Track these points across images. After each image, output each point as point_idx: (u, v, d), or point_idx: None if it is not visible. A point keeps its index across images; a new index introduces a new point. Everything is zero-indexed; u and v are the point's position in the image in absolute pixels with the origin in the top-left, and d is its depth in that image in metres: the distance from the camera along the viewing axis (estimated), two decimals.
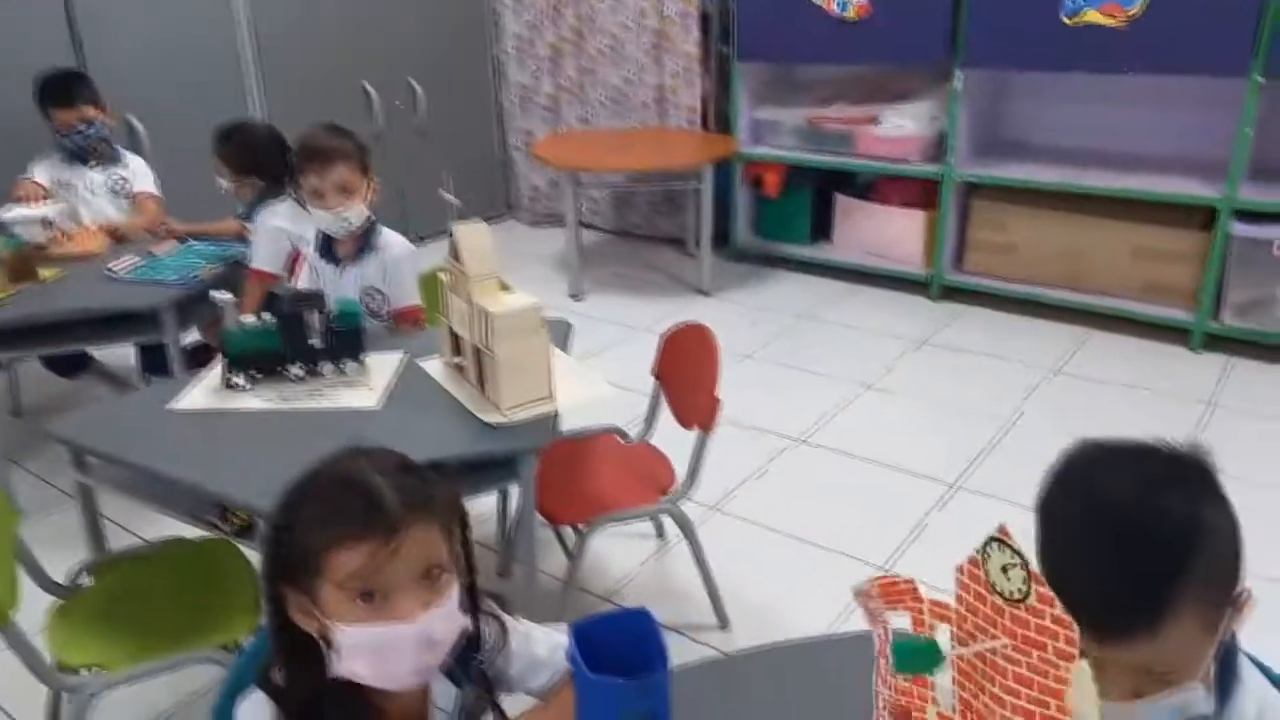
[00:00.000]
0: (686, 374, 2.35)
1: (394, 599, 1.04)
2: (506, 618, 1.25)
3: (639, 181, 5.36)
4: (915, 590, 0.88)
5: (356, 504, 1.03)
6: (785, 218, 4.98)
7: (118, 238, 3.27)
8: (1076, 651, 0.75)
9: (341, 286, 2.51)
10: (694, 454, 2.24)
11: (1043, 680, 0.77)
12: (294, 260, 2.82)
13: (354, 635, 1.03)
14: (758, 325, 4.33)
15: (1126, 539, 0.85)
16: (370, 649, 1.04)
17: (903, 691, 0.90)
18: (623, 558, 2.75)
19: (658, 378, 2.49)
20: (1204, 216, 3.78)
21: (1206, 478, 0.91)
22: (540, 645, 1.25)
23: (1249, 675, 0.97)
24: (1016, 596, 0.77)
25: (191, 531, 2.11)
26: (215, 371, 2.18)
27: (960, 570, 0.83)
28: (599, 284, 4.89)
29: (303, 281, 2.60)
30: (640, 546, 2.80)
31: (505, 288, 2.08)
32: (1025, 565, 0.76)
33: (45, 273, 2.93)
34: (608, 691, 1.03)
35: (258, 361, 2.13)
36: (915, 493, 3.02)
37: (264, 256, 2.90)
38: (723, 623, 2.43)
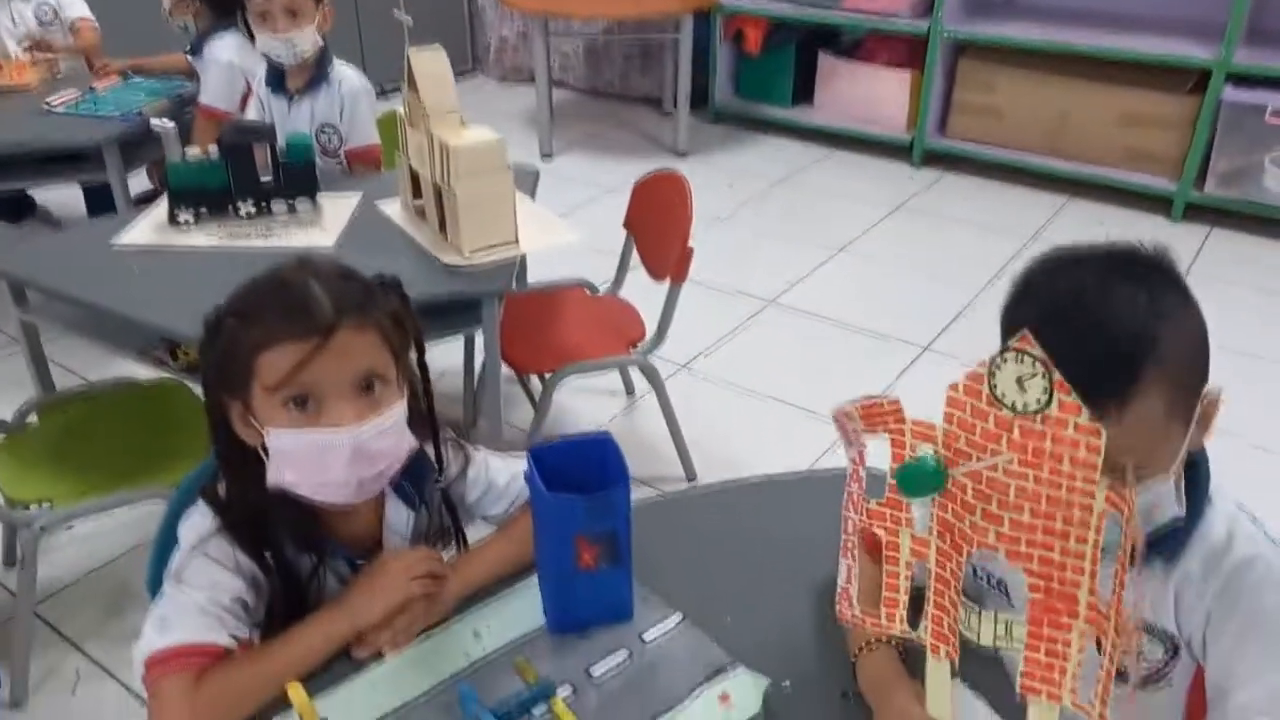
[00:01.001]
0: (658, 224, 2.27)
1: (326, 406, 1.00)
2: (467, 445, 1.21)
3: (614, 32, 5.11)
4: (899, 412, 0.82)
5: (286, 303, 0.98)
6: (766, 77, 4.78)
7: (50, 62, 3.06)
8: (1099, 461, 0.71)
9: (293, 123, 2.38)
10: (665, 305, 2.19)
11: (1052, 493, 0.74)
12: (245, 98, 2.66)
13: (282, 439, 0.99)
14: (734, 188, 4.21)
15: (1090, 320, 0.84)
16: (299, 455, 1.00)
17: (874, 516, 0.86)
18: (591, 413, 2.72)
19: (628, 228, 2.41)
20: (1195, 80, 3.66)
21: (1169, 271, 0.89)
22: (499, 473, 1.22)
23: (1220, 499, 0.95)
24: (1032, 409, 0.73)
25: (142, 374, 2.05)
26: (160, 208, 2.07)
27: (954, 388, 0.78)
28: (570, 143, 4.73)
29: (254, 113, 2.46)
30: (609, 403, 2.78)
31: (465, 125, 1.97)
32: (1049, 374, 0.71)
33: None
34: (565, 510, 1.00)
35: (204, 198, 2.02)
36: (886, 354, 3.00)
37: (214, 92, 2.73)
38: (690, 476, 2.43)
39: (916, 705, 0.91)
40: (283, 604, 1.07)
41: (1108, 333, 0.84)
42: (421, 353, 1.11)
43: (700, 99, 4.85)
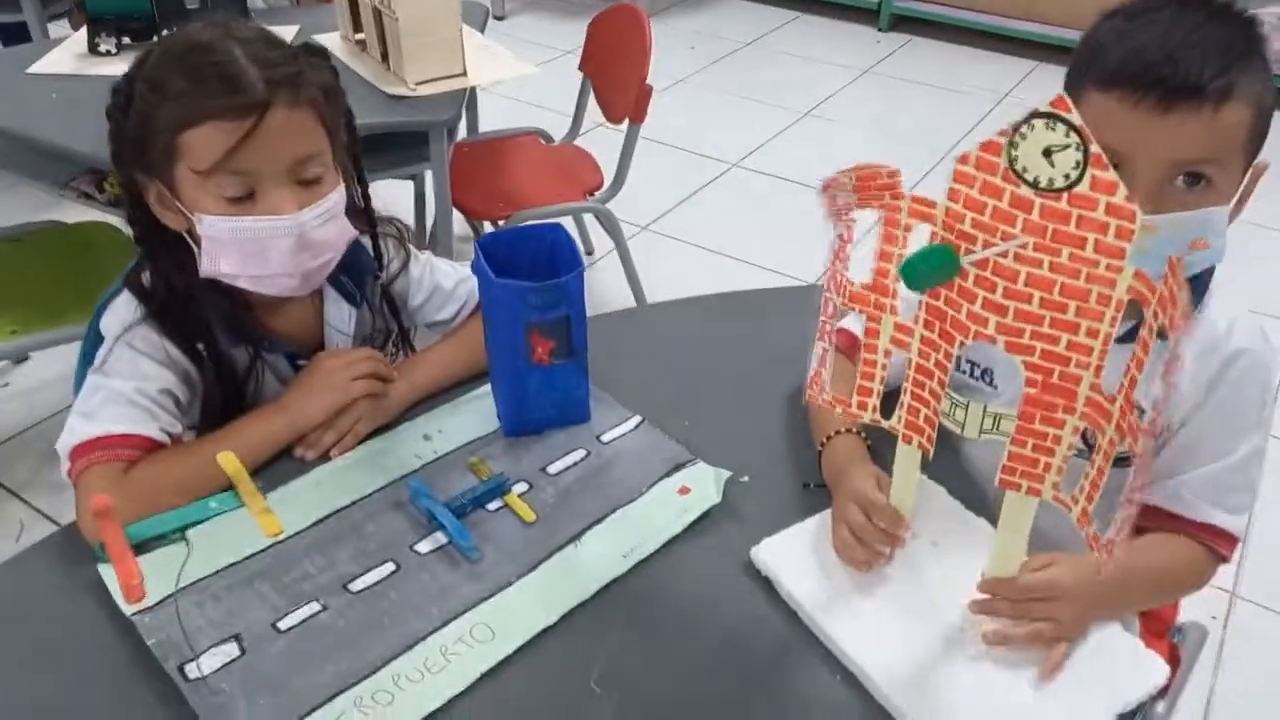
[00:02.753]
0: (615, 62, 2.16)
1: (263, 192, 0.92)
2: (409, 242, 1.14)
3: None
4: (896, 183, 0.75)
5: (212, 75, 0.89)
6: None
7: None
8: (1126, 247, 0.64)
9: None
10: (624, 148, 2.10)
11: (1068, 281, 0.67)
12: None
13: (217, 228, 0.92)
14: (697, 50, 4.06)
15: (1206, 7, 0.81)
16: (237, 245, 0.93)
17: (856, 299, 0.81)
18: None
19: (584, 70, 2.30)
20: None
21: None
22: (446, 276, 1.16)
23: (1221, 292, 0.92)
24: (1058, 185, 0.66)
25: (68, 210, 1.94)
26: (79, 36, 1.92)
27: (964, 159, 0.70)
28: (524, 4, 4.51)
29: None
30: None
31: None
32: (1084, 145, 0.64)
33: None
34: (515, 297, 0.94)
35: (126, 24, 1.88)
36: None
37: None
38: None
39: (872, 486, 0.89)
40: (219, 402, 1.02)
41: (1219, 22, 0.81)
42: (354, 134, 1.03)
43: None
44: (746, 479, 1.00)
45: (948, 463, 0.98)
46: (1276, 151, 0.97)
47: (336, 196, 0.97)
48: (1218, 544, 0.91)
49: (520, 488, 0.99)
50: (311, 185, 0.95)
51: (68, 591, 0.87)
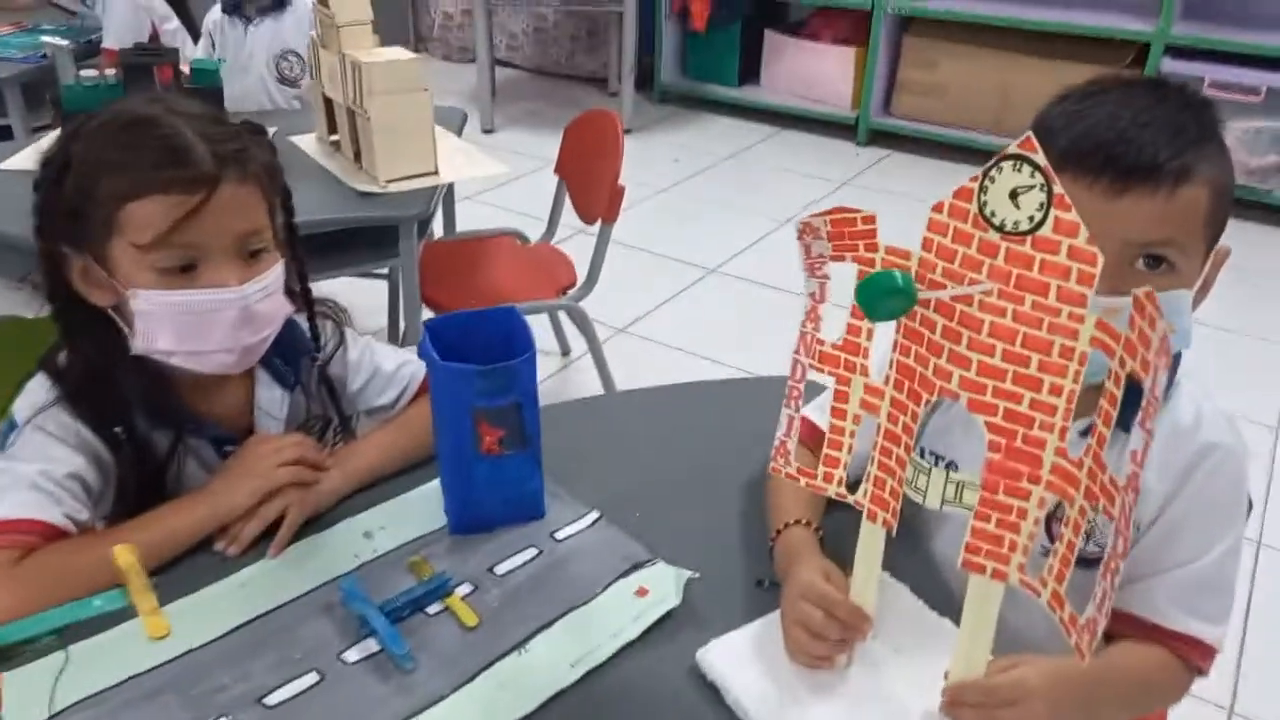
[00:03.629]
0: (589, 164, 2.17)
1: (207, 266, 0.89)
2: (345, 325, 1.10)
3: (556, 4, 5.02)
4: (872, 231, 0.73)
5: (158, 148, 0.86)
6: (713, 56, 4.72)
7: None
8: (1087, 293, 0.62)
9: (250, 51, 2.24)
10: (596, 246, 2.09)
11: (1030, 330, 0.65)
12: (152, 38, 2.51)
13: (155, 301, 0.88)
14: (679, 163, 4.14)
15: (1156, 91, 0.80)
16: (176, 317, 0.88)
17: (826, 360, 0.77)
18: None
19: (559, 174, 2.31)
20: (1135, 53, 3.68)
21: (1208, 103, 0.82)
22: (386, 359, 1.12)
23: (1188, 382, 0.87)
24: (1023, 227, 0.64)
25: (25, 305, 1.89)
26: (55, 133, 1.92)
27: (938, 207, 0.69)
28: (512, 119, 4.62)
29: (201, 50, 2.30)
30: (544, 362, 2.65)
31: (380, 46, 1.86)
32: (1048, 185, 0.62)
33: None
34: (460, 381, 0.89)
35: None
36: (827, 322, 2.92)
37: (118, 32, 2.57)
38: None
39: (819, 579, 0.83)
40: (135, 489, 0.95)
41: (1172, 104, 0.79)
42: (290, 212, 1.00)
43: (647, 82, 4.77)
44: (698, 575, 0.92)
45: (911, 559, 0.91)
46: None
47: (278, 271, 0.94)
48: (1193, 655, 0.85)
49: (464, 589, 0.91)
50: (254, 261, 0.92)
51: None
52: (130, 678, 0.80)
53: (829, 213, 0.74)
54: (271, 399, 1.03)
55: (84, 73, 1.86)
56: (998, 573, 0.70)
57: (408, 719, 0.77)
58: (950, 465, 0.97)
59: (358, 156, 1.89)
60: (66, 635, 0.81)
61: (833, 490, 0.78)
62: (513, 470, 0.95)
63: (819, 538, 0.92)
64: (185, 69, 1.94)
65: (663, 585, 0.91)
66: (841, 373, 0.77)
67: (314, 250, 1.78)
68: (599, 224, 2.08)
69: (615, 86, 4.89)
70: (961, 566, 0.71)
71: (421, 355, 0.93)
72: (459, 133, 2.22)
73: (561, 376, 2.61)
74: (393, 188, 1.80)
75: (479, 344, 0.95)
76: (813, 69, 4.45)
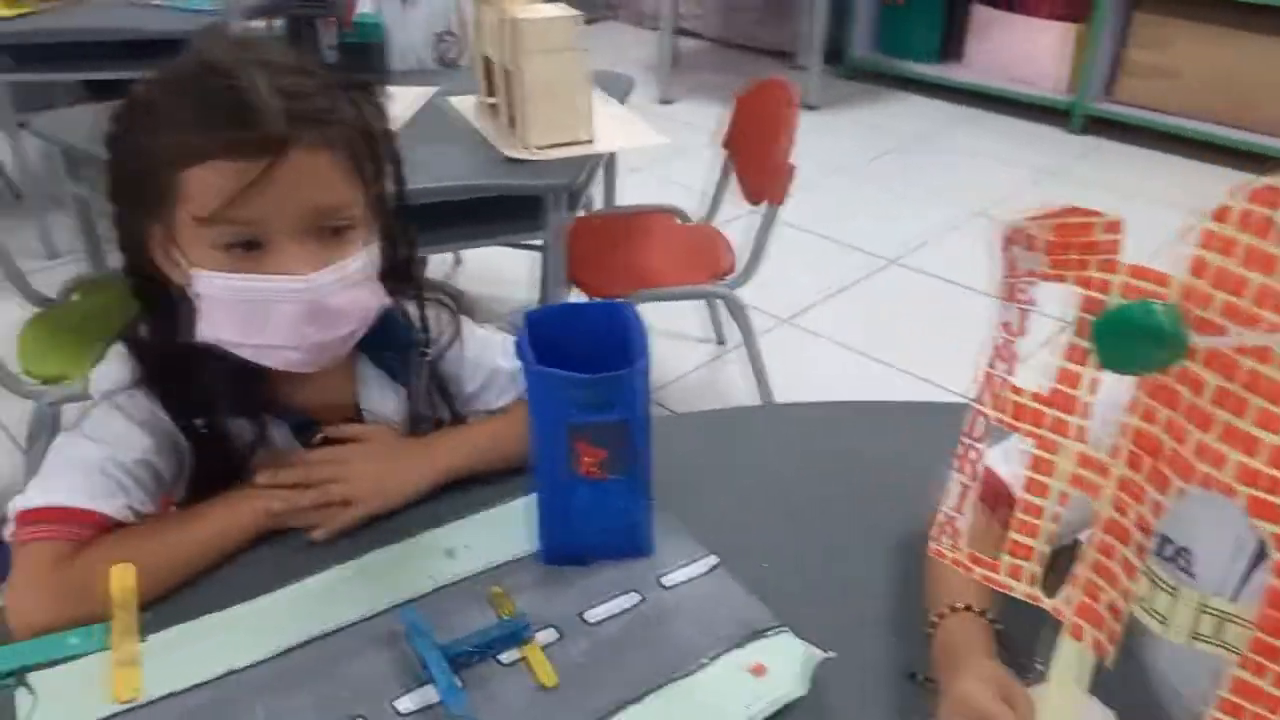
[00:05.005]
0: (759, 139, 1.97)
1: (273, 246, 0.76)
2: (462, 315, 0.96)
3: None
4: (1114, 245, 0.51)
5: (223, 103, 0.73)
6: (911, 29, 4.37)
7: None
8: None
9: (407, 27, 2.18)
10: (760, 230, 1.89)
11: None
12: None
13: (215, 285, 0.76)
14: (864, 142, 3.85)
15: None
16: (236, 305, 0.77)
17: (1022, 415, 0.56)
18: (675, 359, 2.45)
19: (727, 148, 2.12)
20: None
21: None
22: (505, 356, 0.96)
23: None
24: None
25: None
26: None
27: (1220, 215, 0.47)
28: (691, 90, 4.44)
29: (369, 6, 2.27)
30: (695, 350, 2.50)
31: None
32: None
33: None
34: (556, 389, 0.73)
35: None
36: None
37: None
38: None
39: (989, 694, 0.62)
40: (211, 479, 0.85)
41: None
42: (401, 181, 0.86)
43: (835, 57, 4.49)
44: (833, 655, 0.74)
45: (1120, 671, 0.69)
46: None
47: (364, 259, 0.80)
48: None
49: (547, 635, 0.76)
50: (333, 242, 0.78)
51: None
52: (158, 699, 0.70)
53: (1052, 214, 0.53)
54: (379, 397, 0.92)
55: (251, 24, 1.83)
56: None
57: None
58: (1182, 554, 0.74)
59: (513, 121, 1.77)
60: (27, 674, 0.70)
61: (1021, 590, 0.58)
62: (615, 498, 0.79)
63: (994, 630, 0.71)
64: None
65: (786, 665, 0.73)
66: (1046, 435, 0.55)
67: (461, 216, 1.68)
68: (764, 205, 1.89)
69: (802, 60, 4.62)
70: None
71: (517, 353, 0.78)
72: (623, 100, 2.07)
73: (711, 368, 2.44)
74: (543, 155, 1.68)
75: (587, 343, 0.79)
76: (1024, 46, 4.04)
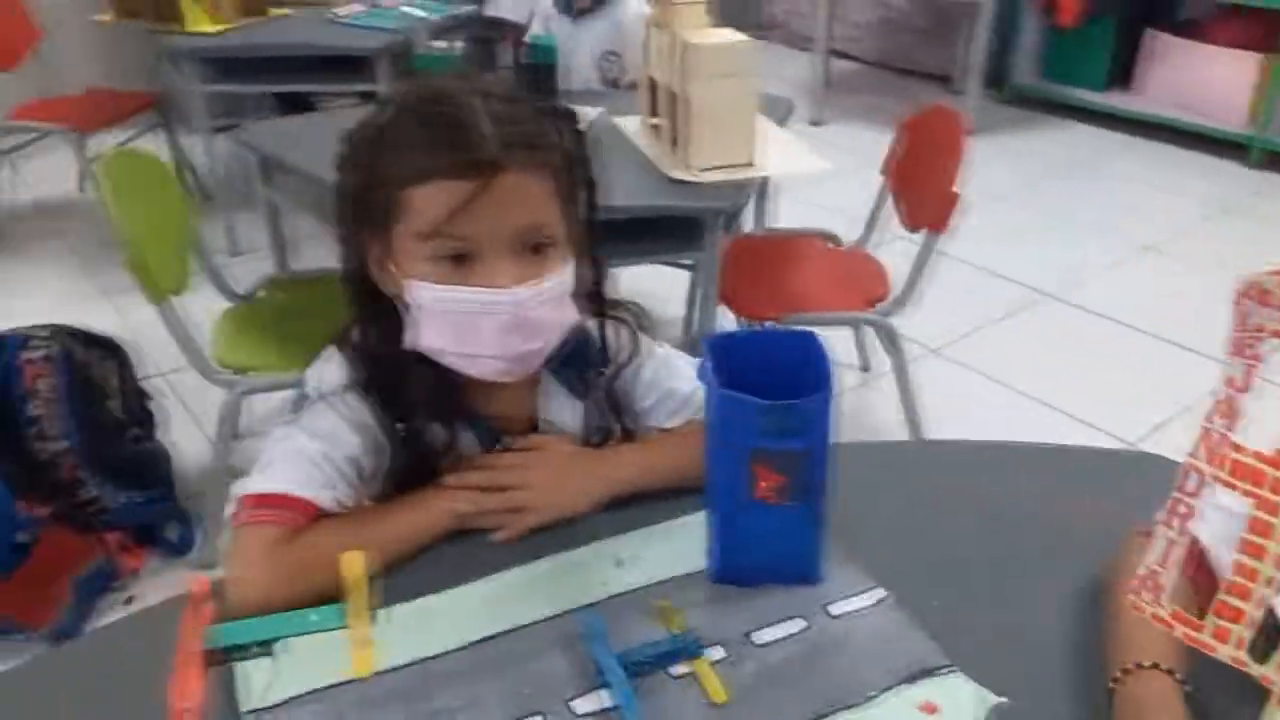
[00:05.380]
0: (922, 166, 1.95)
1: (483, 262, 0.82)
2: (643, 336, 1.00)
3: None
4: None
5: (445, 126, 0.80)
6: (1079, 55, 4.21)
7: None
8: None
9: (575, 46, 2.27)
10: (918, 258, 1.87)
11: None
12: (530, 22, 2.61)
13: (429, 294, 0.83)
14: (1022, 169, 3.74)
15: None
16: (445, 317, 0.83)
17: (1242, 473, 0.53)
18: None
19: (886, 175, 2.11)
20: None
21: None
22: (683, 379, 0.99)
23: None
24: None
25: None
26: None
27: None
28: (844, 113, 4.40)
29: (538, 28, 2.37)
30: (840, 376, 2.48)
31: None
32: None
33: (275, 10, 2.91)
34: (739, 414, 0.75)
35: None
36: (1185, 370, 2.47)
37: (503, 5, 2.70)
38: None
39: None
40: (406, 479, 0.92)
41: None
42: (594, 205, 0.90)
43: (996, 81, 4.37)
44: (1007, 702, 0.73)
45: None
46: None
47: (563, 276, 0.85)
48: None
49: (715, 653, 0.78)
50: (535, 259, 0.83)
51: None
52: (356, 679, 0.75)
53: None
54: (559, 408, 0.97)
55: (435, 44, 1.94)
56: None
57: None
58: None
59: (676, 142, 1.81)
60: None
61: (1226, 653, 0.56)
62: (789, 524, 0.81)
63: (1184, 692, 0.69)
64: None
65: (958, 707, 0.72)
66: (1267, 495, 0.54)
67: (620, 236, 1.73)
68: (924, 233, 1.86)
69: (960, 84, 4.52)
70: None
71: (700, 377, 0.81)
72: (782, 122, 2.08)
73: (856, 394, 2.42)
74: (705, 177, 1.71)
75: (767, 370, 0.81)
76: (1201, 75, 3.84)
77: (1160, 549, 0.59)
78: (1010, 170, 3.72)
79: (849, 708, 0.73)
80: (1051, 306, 2.82)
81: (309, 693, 0.74)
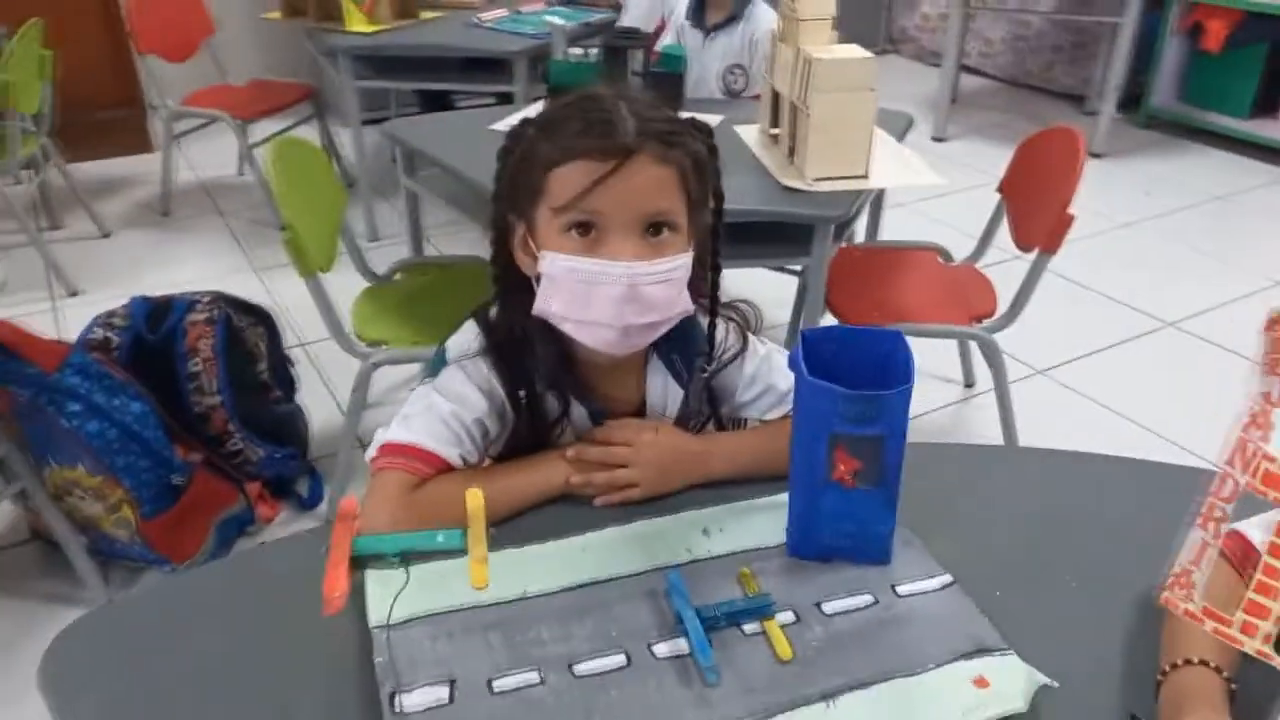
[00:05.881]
0: (1038, 185, 1.96)
1: (608, 237, 0.91)
2: (751, 334, 1.09)
3: (1043, 11, 4.63)
4: None
5: (589, 118, 0.91)
6: (1223, 80, 4.07)
7: None
8: None
9: (705, 57, 2.37)
10: (1027, 276, 1.89)
11: None
12: (659, 30, 2.72)
13: (557, 263, 0.93)
14: (1152, 195, 3.64)
15: None
16: (570, 282, 0.93)
17: (1273, 482, 0.59)
18: (920, 397, 2.41)
19: (1002, 193, 2.12)
20: None
21: None
22: (783, 376, 1.08)
23: None
24: None
25: None
26: (540, 102, 2.17)
27: None
28: (970, 129, 4.37)
29: (671, 38, 2.48)
30: (942, 390, 2.50)
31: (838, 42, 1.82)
32: None
33: (425, 13, 3.11)
34: (823, 400, 0.83)
35: None
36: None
37: (634, 15, 2.83)
38: None
39: None
40: (523, 443, 1.03)
41: None
42: (719, 213, 1.00)
43: (1131, 103, 4.25)
44: (1057, 685, 0.78)
45: None
46: None
47: (679, 262, 0.94)
48: None
49: (785, 617, 0.86)
50: (655, 242, 0.93)
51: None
52: (468, 607, 0.86)
53: None
54: (660, 392, 1.06)
55: (571, 50, 2.07)
56: None
57: None
58: None
59: (792, 152, 1.88)
60: (410, 557, 0.90)
61: (1252, 646, 0.61)
62: (862, 507, 0.88)
63: (1229, 690, 0.73)
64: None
65: (1009, 683, 0.78)
66: None
67: (733, 238, 1.82)
68: (1035, 252, 1.88)
69: (1093, 105, 4.41)
70: None
71: (790, 365, 0.88)
72: (900, 137, 2.12)
73: (958, 409, 2.43)
74: (818, 186, 1.77)
75: (855, 364, 0.88)
76: None
77: (1193, 549, 0.64)
78: (1139, 196, 3.62)
79: (906, 675, 0.80)
80: (1170, 335, 2.75)
81: (425, 615, 0.85)
